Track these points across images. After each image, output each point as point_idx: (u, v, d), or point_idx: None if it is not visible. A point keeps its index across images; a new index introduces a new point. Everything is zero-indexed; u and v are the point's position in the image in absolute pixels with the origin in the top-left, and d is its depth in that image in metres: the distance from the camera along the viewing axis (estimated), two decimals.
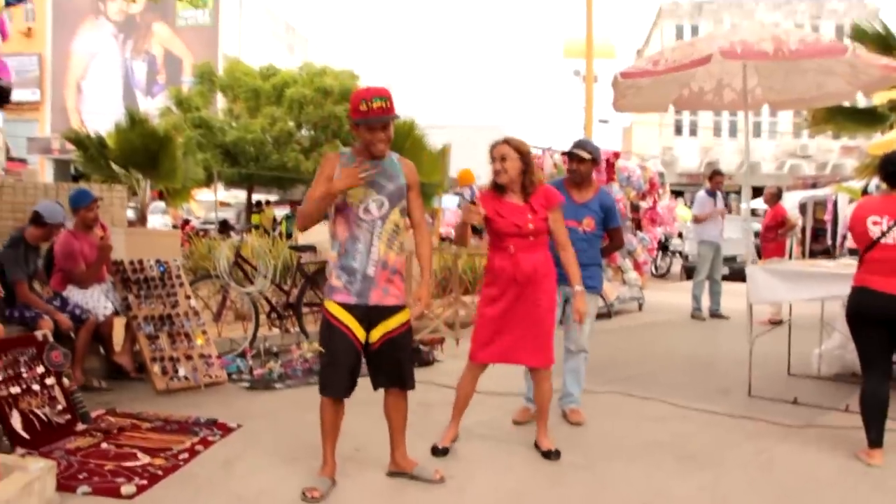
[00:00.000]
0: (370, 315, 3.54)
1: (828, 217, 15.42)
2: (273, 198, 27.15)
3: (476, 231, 3.93)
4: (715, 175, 9.96)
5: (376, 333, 3.56)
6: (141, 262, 6.01)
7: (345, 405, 3.67)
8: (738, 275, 11.76)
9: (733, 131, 35.76)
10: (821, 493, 3.74)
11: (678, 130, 36.94)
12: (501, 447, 4.32)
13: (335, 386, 3.56)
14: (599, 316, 9.54)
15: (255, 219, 20.32)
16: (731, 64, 5.67)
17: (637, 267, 10.76)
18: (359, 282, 3.51)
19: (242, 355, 6.31)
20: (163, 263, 6.10)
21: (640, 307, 10.77)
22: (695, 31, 36.31)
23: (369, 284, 3.51)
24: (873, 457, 4.11)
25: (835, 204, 14.87)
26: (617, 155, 9.79)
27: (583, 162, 4.77)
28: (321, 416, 3.63)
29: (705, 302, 9.91)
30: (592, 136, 14.61)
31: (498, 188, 4.10)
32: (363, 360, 3.65)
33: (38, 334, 4.58)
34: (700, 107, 6.83)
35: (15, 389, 4.16)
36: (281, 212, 24.83)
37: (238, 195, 26.43)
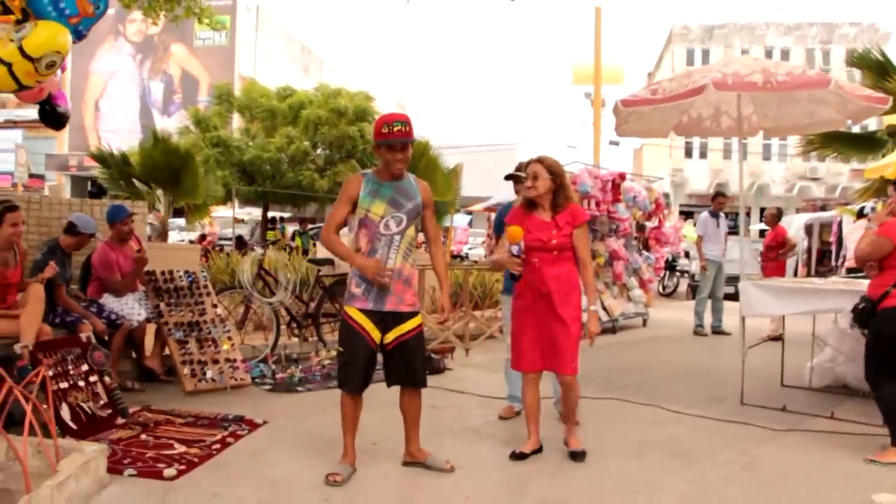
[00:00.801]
0: (385, 319, 3.94)
1: (832, 238, 15.67)
2: (286, 215, 27.69)
3: (514, 278, 4.31)
4: (717, 196, 10.34)
5: (391, 336, 3.96)
6: (171, 272, 6.43)
7: (363, 400, 4.04)
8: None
9: (743, 154, 36.10)
10: (796, 486, 4.07)
11: (688, 153, 37.34)
12: (507, 444, 4.68)
13: (352, 382, 3.95)
14: (604, 331, 9.92)
15: (270, 235, 20.80)
16: (727, 93, 6.05)
17: (642, 285, 11.10)
18: (375, 290, 3.91)
19: (264, 361, 6.71)
20: (191, 274, 6.51)
21: (645, 323, 11.10)
22: (705, 55, 36.77)
23: (384, 292, 3.91)
24: (890, 455, 4.40)
25: (839, 225, 15.13)
26: (623, 176, 10.16)
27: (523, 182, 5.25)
28: (342, 409, 4.01)
29: (707, 319, 10.23)
30: (601, 158, 15.00)
31: (529, 204, 4.37)
32: (379, 359, 4.04)
33: (82, 336, 5.00)
34: (699, 133, 7.22)
35: (63, 385, 4.57)
36: (291, 228, 25.38)
37: (251, 212, 26.99)
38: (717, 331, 10.22)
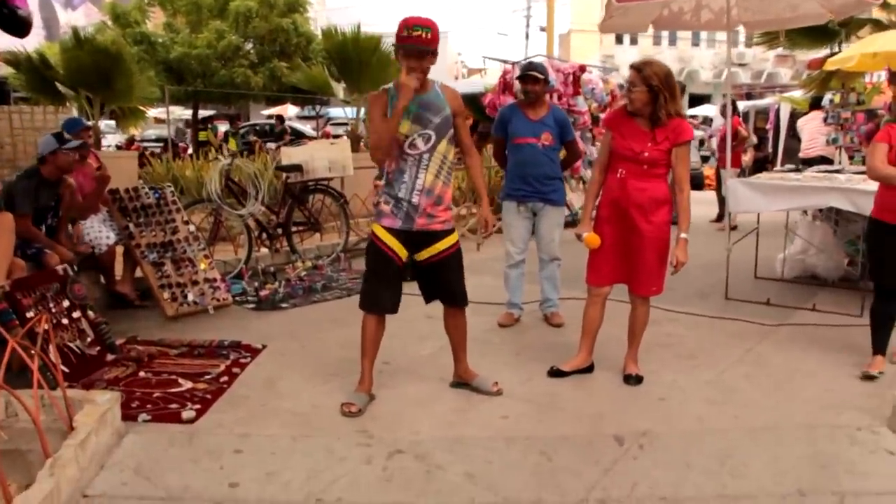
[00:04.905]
0: (414, 239, 3.72)
1: (769, 126, 15.97)
2: (212, 113, 26.46)
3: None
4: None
5: (423, 255, 3.76)
6: (136, 189, 6.02)
7: (385, 322, 3.86)
8: (692, 181, 12.21)
9: (673, 39, 36.02)
10: (808, 383, 4.18)
11: (619, 39, 36.86)
12: (518, 355, 4.68)
13: (380, 303, 3.77)
14: (567, 225, 9.89)
15: (202, 136, 19.87)
16: None
17: None
18: (404, 209, 3.68)
19: (240, 276, 6.45)
20: (158, 189, 6.12)
21: None
22: None
23: (414, 211, 3.68)
24: (875, 364, 4.23)
25: (776, 113, 15.38)
26: (583, 68, 9.90)
27: (537, 82, 5.05)
28: (363, 332, 3.81)
29: None
30: (555, 48, 14.66)
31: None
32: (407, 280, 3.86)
33: (59, 268, 4.61)
34: (678, 26, 6.99)
35: (47, 325, 4.23)
36: (222, 127, 24.34)
37: (174, 111, 25.55)
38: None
